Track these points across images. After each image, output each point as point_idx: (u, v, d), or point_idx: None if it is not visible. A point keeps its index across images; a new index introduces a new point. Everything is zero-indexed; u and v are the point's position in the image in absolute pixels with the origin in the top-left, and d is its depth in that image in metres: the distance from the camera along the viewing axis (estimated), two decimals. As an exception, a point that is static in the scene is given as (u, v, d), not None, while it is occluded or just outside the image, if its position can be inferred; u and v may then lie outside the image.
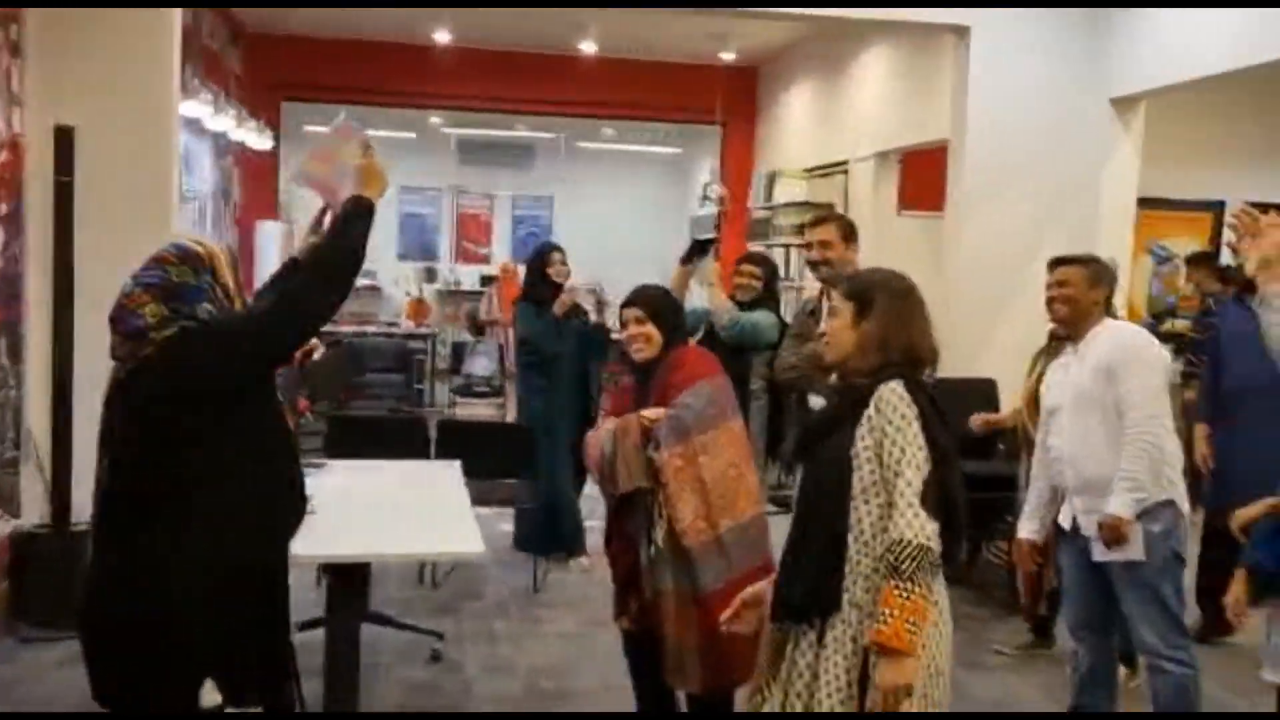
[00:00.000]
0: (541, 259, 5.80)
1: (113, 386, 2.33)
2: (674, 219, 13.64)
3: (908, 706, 2.15)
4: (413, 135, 13.15)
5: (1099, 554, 3.35)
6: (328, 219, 2.69)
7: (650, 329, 3.19)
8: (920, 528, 2.17)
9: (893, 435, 2.24)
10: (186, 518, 2.26)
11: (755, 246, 10.47)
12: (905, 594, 2.15)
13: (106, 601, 2.29)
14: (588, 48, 9.85)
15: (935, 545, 2.19)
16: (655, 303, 3.24)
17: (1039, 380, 4.00)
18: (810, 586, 2.29)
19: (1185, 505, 3.40)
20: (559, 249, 5.88)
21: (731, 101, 10.96)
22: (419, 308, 12.43)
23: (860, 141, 8.58)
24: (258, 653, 2.40)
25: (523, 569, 5.51)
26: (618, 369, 3.48)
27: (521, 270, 6.30)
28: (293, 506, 2.47)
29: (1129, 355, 3.37)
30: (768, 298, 5.02)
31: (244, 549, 2.33)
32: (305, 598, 4.08)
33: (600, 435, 3.21)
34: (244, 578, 2.34)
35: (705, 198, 10.76)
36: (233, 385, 2.32)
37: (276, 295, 2.52)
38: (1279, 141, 7.97)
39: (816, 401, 3.76)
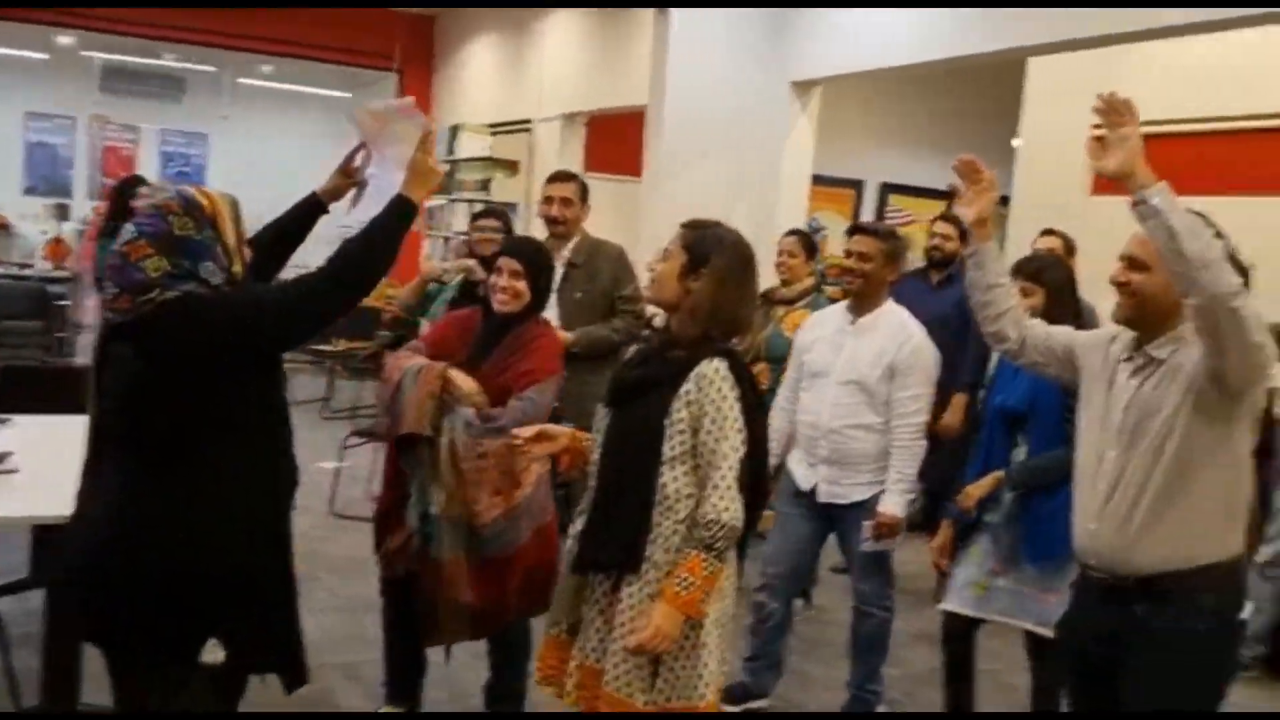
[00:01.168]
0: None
1: (105, 335, 2.25)
2: (343, 166, 13.25)
3: (663, 648, 2.29)
4: (44, 56, 11.79)
5: (869, 546, 3.54)
6: (360, 159, 2.69)
7: (523, 285, 3.11)
8: (735, 511, 2.28)
9: (713, 415, 2.28)
10: (198, 472, 2.22)
11: (437, 200, 10.43)
12: (710, 568, 2.28)
13: (117, 545, 2.20)
14: (258, -22, 9.33)
15: (740, 528, 2.31)
16: (536, 262, 3.16)
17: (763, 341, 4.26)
18: (618, 548, 2.36)
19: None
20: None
21: (409, 49, 10.78)
22: (58, 248, 11.23)
23: (546, 101, 8.76)
24: (271, 614, 2.35)
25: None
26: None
27: None
28: (291, 470, 2.42)
29: (916, 362, 3.47)
30: None
31: (255, 507, 2.30)
32: (12, 560, 3.76)
33: (403, 365, 3.05)
34: (256, 536, 2.30)
35: (383, 146, 10.54)
36: (231, 361, 2.21)
37: (293, 284, 2.31)
38: (910, 132, 9.06)
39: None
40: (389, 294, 5.09)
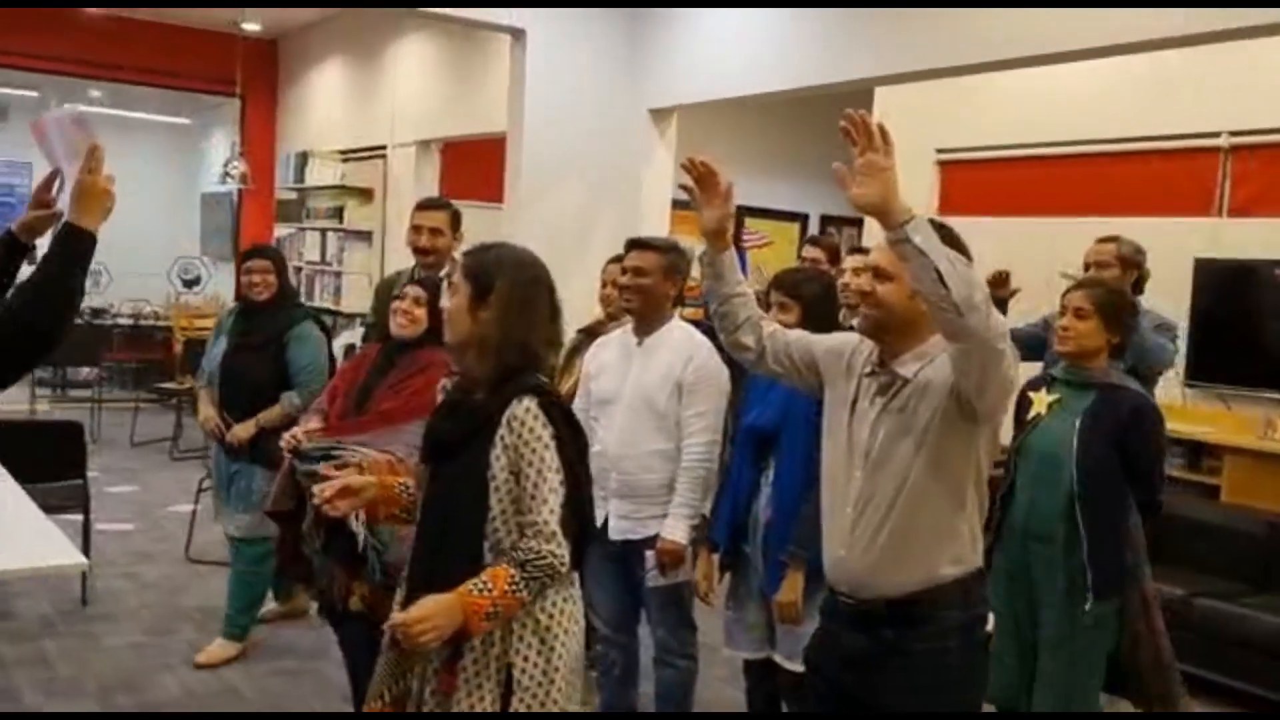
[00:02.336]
0: None
1: None
2: (184, 195, 12.75)
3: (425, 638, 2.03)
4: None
5: (653, 579, 3.29)
6: (57, 190, 2.26)
7: (422, 313, 3.20)
8: (555, 550, 2.10)
9: (529, 458, 2.12)
10: None
11: (286, 229, 10.16)
12: (514, 589, 2.06)
13: None
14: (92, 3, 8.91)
15: (564, 568, 2.13)
16: (435, 289, 3.14)
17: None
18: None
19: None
20: None
21: (251, 74, 10.44)
22: None
23: (399, 127, 8.63)
24: None
25: (61, 581, 4.97)
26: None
27: None
28: None
29: (702, 377, 3.25)
30: None
31: None
32: None
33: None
34: None
35: (227, 175, 10.21)
36: None
37: None
38: (765, 157, 9.26)
39: None
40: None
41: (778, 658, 3.21)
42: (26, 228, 2.34)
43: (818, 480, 2.45)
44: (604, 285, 4.01)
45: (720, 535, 3.30)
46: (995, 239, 6.31)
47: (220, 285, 11.40)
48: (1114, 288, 3.49)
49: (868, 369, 2.31)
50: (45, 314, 2.08)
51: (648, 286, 3.26)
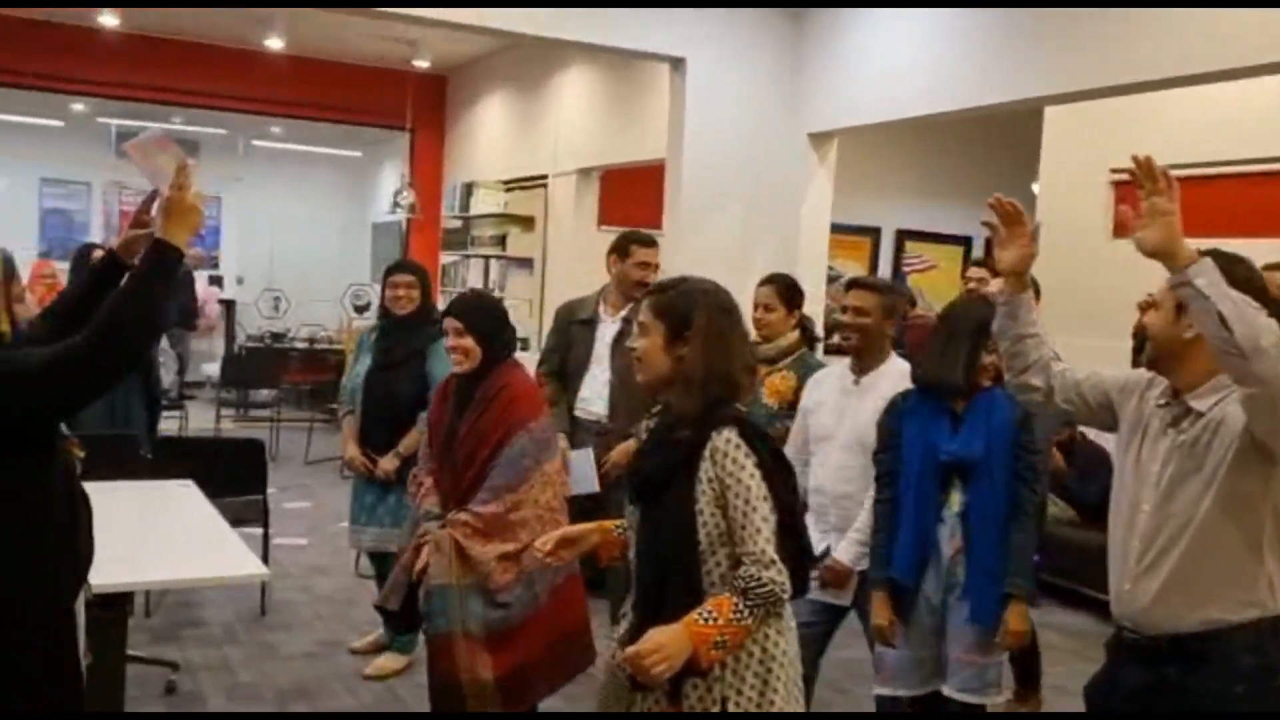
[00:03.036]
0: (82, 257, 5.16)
1: None
2: (356, 224, 13.36)
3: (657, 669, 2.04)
4: (59, 123, 11.97)
5: (815, 593, 3.27)
6: (156, 209, 2.30)
7: (468, 342, 3.12)
8: (775, 576, 2.09)
9: (736, 489, 2.11)
10: None
11: (451, 256, 10.51)
12: (738, 616, 2.07)
13: None
14: (274, 44, 9.45)
15: (785, 594, 2.12)
16: (472, 313, 3.16)
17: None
18: None
19: None
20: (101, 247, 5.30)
21: (421, 108, 10.89)
22: (72, 312, 11.29)
23: (561, 157, 8.84)
24: None
25: (243, 591, 5.23)
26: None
27: None
28: (77, 564, 2.20)
29: None
30: None
31: (23, 599, 2.06)
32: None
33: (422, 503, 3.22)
34: (20, 634, 2.05)
35: (397, 204, 10.64)
36: None
37: (58, 349, 2.04)
38: (926, 180, 9.11)
39: None
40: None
41: (948, 690, 3.11)
42: (126, 246, 2.44)
43: (1020, 509, 2.50)
44: (755, 308, 4.05)
45: (903, 571, 3.13)
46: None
47: (389, 311, 11.84)
48: None
49: (1161, 400, 2.30)
50: (129, 323, 2.06)
51: (868, 326, 3.33)
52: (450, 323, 3.14)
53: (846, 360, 3.49)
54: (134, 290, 2.11)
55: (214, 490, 4.22)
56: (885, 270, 9.20)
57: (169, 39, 9.82)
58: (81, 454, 2.27)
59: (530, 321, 8.92)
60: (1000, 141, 8.52)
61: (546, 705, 3.38)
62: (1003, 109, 5.20)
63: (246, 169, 12.90)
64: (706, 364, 2.17)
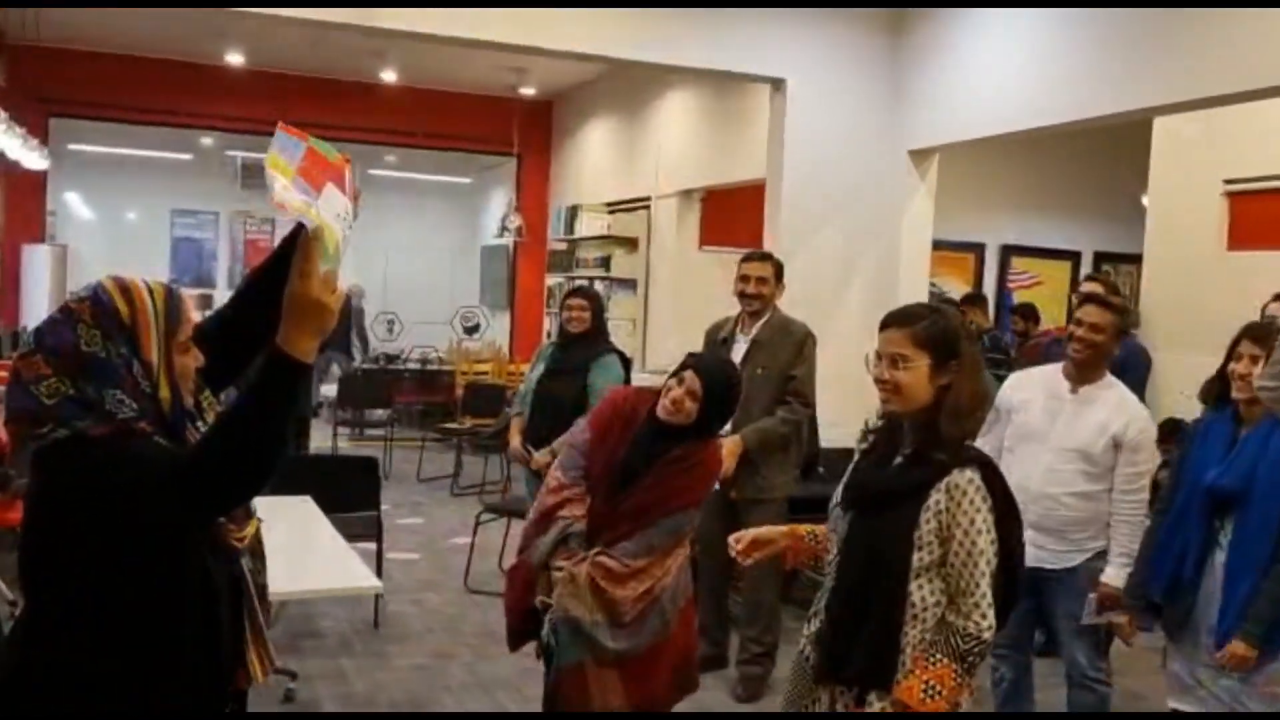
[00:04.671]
0: None
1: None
2: (466, 249, 13.70)
3: None
4: (189, 156, 12.59)
5: (1089, 618, 3.46)
6: (302, 241, 1.77)
7: (694, 406, 3.03)
8: (989, 625, 2.13)
9: (965, 527, 2.13)
10: (80, 641, 1.77)
11: (556, 278, 10.71)
12: (959, 680, 2.12)
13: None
14: (388, 76, 9.80)
15: (991, 639, 2.16)
16: (720, 387, 3.09)
17: None
18: (866, 661, 2.20)
19: None
20: None
21: (527, 134, 11.15)
22: (201, 338, 11.85)
23: (663, 178, 8.95)
24: None
25: (358, 604, 5.43)
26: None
27: None
28: (217, 679, 1.89)
29: (1143, 440, 3.43)
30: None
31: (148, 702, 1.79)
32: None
33: (557, 511, 3.12)
34: None
35: (504, 228, 10.90)
36: (121, 527, 1.73)
37: (192, 455, 1.77)
38: (1031, 194, 8.96)
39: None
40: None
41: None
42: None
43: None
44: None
45: (1157, 590, 3.17)
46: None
47: (497, 332, 12.14)
48: None
49: None
50: (248, 454, 1.71)
51: (1100, 344, 3.48)
52: (693, 380, 3.05)
53: (1058, 366, 3.62)
54: (246, 412, 1.72)
55: (331, 506, 4.43)
56: (990, 287, 9.06)
57: (289, 74, 10.27)
58: (244, 535, 1.93)
59: (633, 340, 9.03)
60: (1108, 153, 8.34)
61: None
62: (1109, 121, 5.11)
63: (363, 197, 13.32)
64: (974, 395, 2.21)
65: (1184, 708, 3.17)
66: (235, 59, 9.60)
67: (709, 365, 3.14)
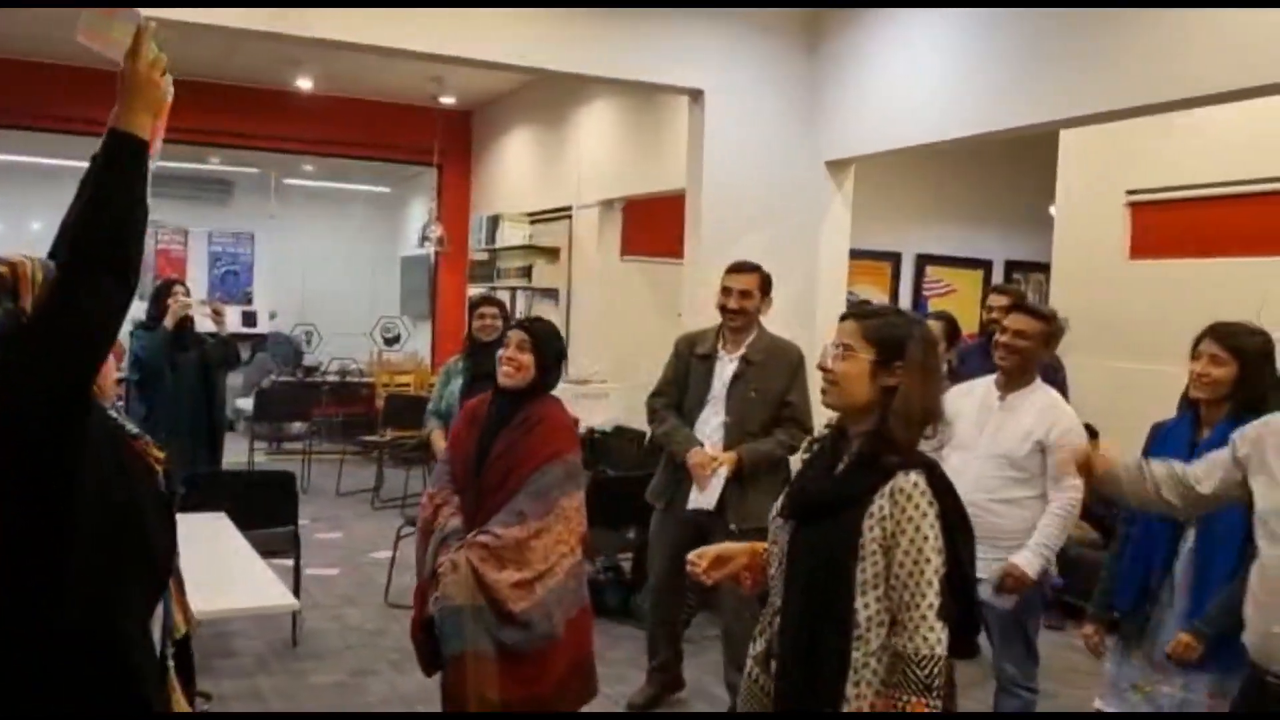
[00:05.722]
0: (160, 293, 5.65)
1: None
2: (386, 259, 13.54)
3: None
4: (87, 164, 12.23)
5: (988, 595, 3.41)
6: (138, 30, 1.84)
7: (527, 358, 3.15)
8: (939, 640, 1.99)
9: (910, 535, 2.00)
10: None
11: (478, 289, 10.64)
12: (934, 709, 1.99)
13: None
14: (304, 84, 9.66)
15: (947, 654, 2.02)
16: (542, 335, 3.20)
17: None
18: (823, 693, 2.06)
19: None
20: (181, 283, 5.84)
21: (448, 144, 11.07)
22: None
23: (584, 188, 8.95)
24: None
25: (275, 622, 5.32)
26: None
27: None
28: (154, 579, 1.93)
29: (1068, 441, 3.42)
30: None
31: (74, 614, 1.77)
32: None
33: (438, 520, 3.20)
34: (74, 650, 1.77)
35: (425, 238, 10.80)
36: (25, 420, 1.68)
37: (47, 298, 1.73)
38: (944, 204, 9.15)
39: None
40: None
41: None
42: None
43: (1248, 560, 2.46)
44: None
45: (1124, 601, 3.19)
46: (1191, 282, 6.04)
47: (418, 343, 12.02)
48: None
49: None
50: (106, 239, 1.70)
51: (1026, 350, 3.53)
52: (517, 334, 3.18)
53: (992, 377, 3.67)
54: (96, 198, 1.71)
55: (246, 523, 4.34)
56: (906, 295, 9.23)
57: (203, 81, 10.04)
58: (161, 455, 1.96)
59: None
60: (1018, 164, 8.56)
61: None
62: (1020, 133, 5.24)
63: (279, 206, 13.12)
64: (922, 394, 2.11)
65: (1108, 708, 3.22)
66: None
67: (531, 321, 3.34)
